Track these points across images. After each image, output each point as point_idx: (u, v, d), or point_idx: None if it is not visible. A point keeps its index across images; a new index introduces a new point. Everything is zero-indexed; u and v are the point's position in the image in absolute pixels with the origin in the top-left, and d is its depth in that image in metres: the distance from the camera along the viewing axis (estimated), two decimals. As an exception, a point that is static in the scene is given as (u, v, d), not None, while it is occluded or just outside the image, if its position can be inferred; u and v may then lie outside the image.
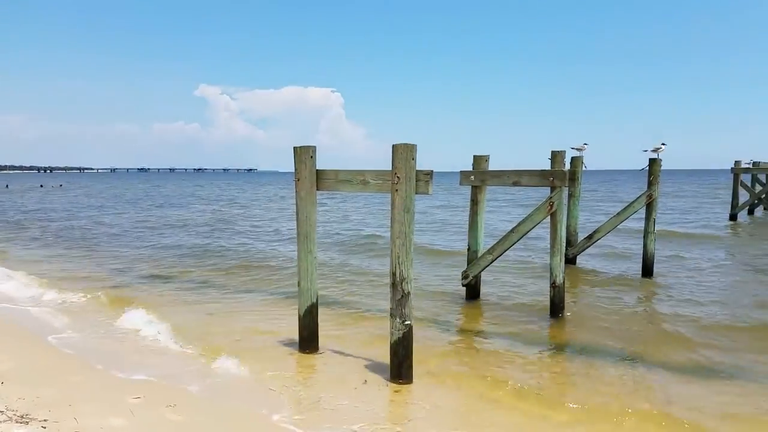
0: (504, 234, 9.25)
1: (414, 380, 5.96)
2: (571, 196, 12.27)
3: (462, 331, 8.26)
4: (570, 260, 12.50)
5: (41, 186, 71.73)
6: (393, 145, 5.75)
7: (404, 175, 5.69)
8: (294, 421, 5.06)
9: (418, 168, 5.75)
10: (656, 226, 11.51)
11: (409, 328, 5.92)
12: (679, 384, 6.15)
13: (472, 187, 9.57)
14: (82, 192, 57.32)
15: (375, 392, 5.72)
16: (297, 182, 6.65)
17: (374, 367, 6.36)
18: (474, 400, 5.65)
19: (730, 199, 24.19)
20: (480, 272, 9.76)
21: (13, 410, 4.70)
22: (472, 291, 9.97)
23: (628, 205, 11.46)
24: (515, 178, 8.75)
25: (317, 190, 6.63)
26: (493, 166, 9.44)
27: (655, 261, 11.64)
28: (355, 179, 6.34)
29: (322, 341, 7.01)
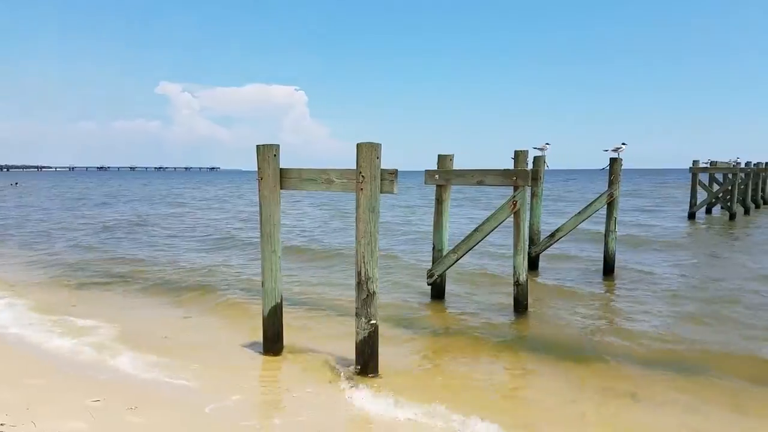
0: (468, 233, 9.32)
1: (380, 378, 5.93)
2: (533, 195, 12.44)
3: (426, 329, 8.27)
4: (533, 258, 12.69)
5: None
6: (357, 144, 5.71)
7: (369, 174, 5.66)
8: (259, 423, 4.97)
9: (383, 167, 5.74)
10: (618, 225, 11.79)
11: (375, 327, 5.90)
12: (635, 376, 6.31)
13: (437, 186, 9.61)
14: (27, 191, 55.28)
15: (340, 391, 5.66)
16: (260, 181, 6.54)
17: (340, 366, 6.31)
18: (439, 396, 5.67)
19: (689, 198, 25.04)
20: (445, 271, 9.81)
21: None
22: (438, 289, 10.01)
23: (590, 204, 11.71)
24: (479, 177, 8.82)
25: (281, 189, 6.54)
26: (458, 165, 9.51)
27: (615, 259, 11.91)
28: (320, 178, 6.27)
29: (286, 340, 6.92)
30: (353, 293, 5.98)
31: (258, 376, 6.19)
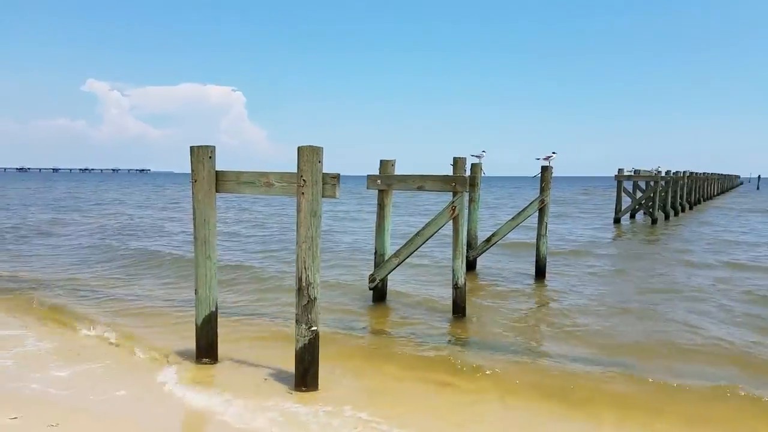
0: (409, 238, 9.36)
1: (319, 386, 5.82)
2: (471, 200, 12.69)
3: (368, 332, 8.25)
4: (471, 262, 12.94)
5: None
6: (299, 148, 5.59)
7: (310, 178, 5.55)
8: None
9: (324, 171, 5.65)
10: (548, 229, 12.21)
11: (316, 334, 5.78)
12: (564, 373, 6.53)
13: (379, 191, 9.61)
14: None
15: (278, 400, 5.50)
16: (194, 183, 6.29)
17: (278, 375, 6.15)
18: (378, 401, 5.63)
19: (614, 205, 26.34)
20: (386, 275, 9.81)
21: None
22: (379, 293, 10.00)
23: (523, 210, 12.08)
24: (420, 182, 8.88)
25: (217, 192, 6.31)
26: (400, 171, 9.53)
27: (547, 263, 12.33)
28: (259, 181, 6.10)
29: (221, 350, 6.67)
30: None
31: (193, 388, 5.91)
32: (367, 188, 9.42)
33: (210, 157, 6.27)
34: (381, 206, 9.65)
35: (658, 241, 20.02)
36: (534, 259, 12.40)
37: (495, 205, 39.52)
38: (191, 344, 6.64)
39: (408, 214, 29.90)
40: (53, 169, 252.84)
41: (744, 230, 23.53)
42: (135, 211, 31.64)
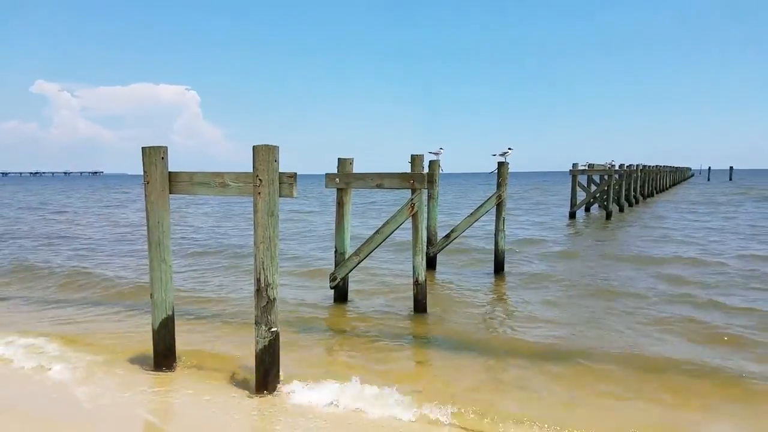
0: (369, 236, 9.38)
1: (279, 387, 5.78)
2: (430, 197, 12.79)
3: (329, 332, 8.22)
4: (431, 259, 13.05)
5: None
6: (254, 147, 5.53)
7: (267, 177, 5.50)
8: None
9: (281, 170, 5.60)
10: (506, 224, 12.43)
11: (276, 335, 5.74)
12: (519, 368, 6.69)
13: (338, 189, 9.59)
14: None
15: (237, 403, 5.44)
16: (146, 185, 6.14)
17: (237, 378, 6.08)
18: (340, 400, 5.64)
19: (569, 199, 26.99)
20: (347, 274, 9.80)
21: None
22: (340, 292, 9.99)
23: (481, 206, 12.25)
24: (378, 180, 8.91)
25: (170, 193, 6.18)
26: (360, 169, 9.52)
27: (505, 257, 12.56)
28: (213, 182, 6.00)
29: (180, 353, 6.56)
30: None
31: (147, 393, 5.78)
32: (326, 186, 9.40)
33: (162, 158, 6.13)
34: (340, 205, 9.62)
35: (612, 234, 20.60)
36: (493, 254, 12.60)
37: (453, 202, 39.95)
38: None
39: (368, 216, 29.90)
40: (2, 173, 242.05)
41: (691, 225, 24.42)
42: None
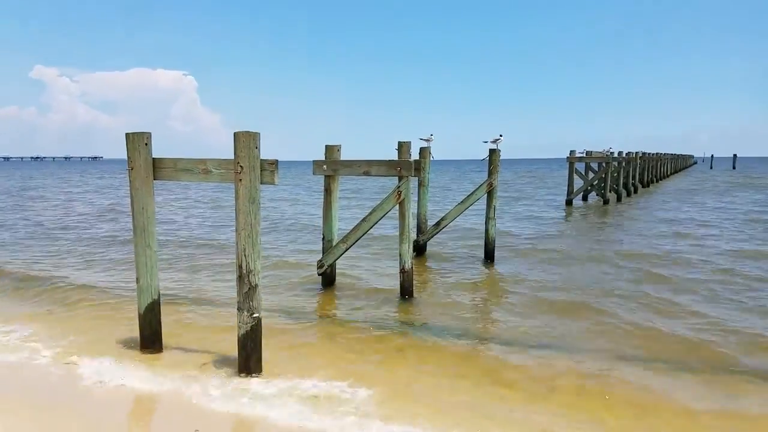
0: (356, 223, 9.45)
1: (263, 372, 5.89)
2: (420, 185, 12.86)
3: (315, 318, 8.33)
4: (421, 246, 13.14)
5: None
6: (235, 133, 5.59)
7: (248, 164, 5.56)
8: (133, 424, 4.77)
9: (264, 157, 5.66)
10: (499, 211, 12.48)
11: (258, 320, 5.83)
12: (508, 353, 6.80)
13: (325, 176, 9.64)
14: None
15: (221, 388, 5.56)
16: (130, 171, 6.21)
17: (222, 362, 6.19)
18: (326, 386, 5.76)
19: (566, 186, 26.95)
20: (335, 261, 9.89)
21: None
22: (328, 279, 10.09)
23: (471, 194, 12.30)
24: (365, 167, 8.97)
25: (154, 179, 6.25)
26: (351, 156, 9.55)
27: (496, 244, 12.62)
28: (196, 168, 6.06)
29: (166, 339, 6.67)
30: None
31: (134, 377, 5.90)
32: (314, 173, 9.45)
33: (146, 144, 6.19)
34: (328, 192, 9.68)
35: (607, 223, 20.62)
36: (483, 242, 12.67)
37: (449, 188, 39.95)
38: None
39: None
40: (3, 158, 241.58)
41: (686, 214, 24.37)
42: None
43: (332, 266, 10.02)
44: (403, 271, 9.18)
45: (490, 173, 12.03)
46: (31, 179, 56.37)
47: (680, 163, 74.61)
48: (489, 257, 12.45)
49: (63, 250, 14.11)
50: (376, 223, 9.31)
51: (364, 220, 9.30)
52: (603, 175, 26.88)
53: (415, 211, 13.18)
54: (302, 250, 14.00)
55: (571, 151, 26.03)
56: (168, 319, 7.05)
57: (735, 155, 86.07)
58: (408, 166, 8.64)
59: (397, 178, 8.86)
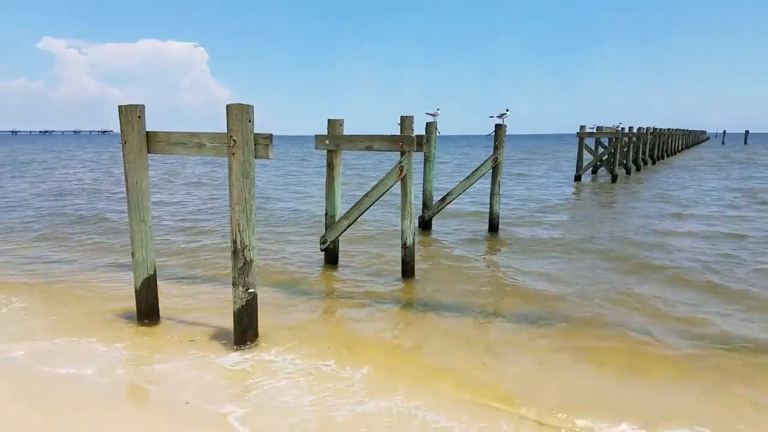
0: (359, 199, 9.32)
1: (259, 346, 5.85)
2: (426, 160, 12.68)
3: (316, 293, 8.27)
4: (426, 222, 13.02)
5: None
6: (227, 106, 5.44)
7: (241, 138, 5.42)
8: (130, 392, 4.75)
9: (257, 131, 5.52)
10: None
11: (253, 296, 5.77)
12: (508, 332, 6.71)
13: (328, 151, 9.48)
14: None
15: (215, 359, 5.53)
16: (124, 145, 6.10)
17: (218, 336, 6.16)
18: (325, 360, 5.72)
19: (576, 161, 26.62)
20: (337, 237, 9.79)
21: None
22: (331, 255, 10.00)
23: (477, 169, 12.11)
24: (368, 142, 8.80)
25: (148, 153, 6.14)
26: (359, 131, 9.36)
27: (500, 219, 12.48)
28: (190, 142, 5.94)
29: (164, 312, 6.66)
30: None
31: (130, 347, 5.89)
32: (315, 148, 9.30)
33: (139, 117, 6.07)
34: (330, 167, 9.53)
35: (615, 199, 20.36)
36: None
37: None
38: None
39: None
40: (12, 132, 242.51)
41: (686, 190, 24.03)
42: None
43: (335, 242, 9.92)
44: (404, 246, 9.07)
45: (496, 148, 11.81)
46: (26, 153, 56.15)
47: (692, 139, 73.61)
48: (493, 231, 12.32)
49: None
50: (378, 198, 9.16)
51: (366, 195, 9.16)
52: (612, 151, 26.49)
53: (422, 187, 13.06)
54: (308, 223, 13.92)
55: (581, 126, 25.65)
56: (167, 293, 7.02)
57: (747, 131, 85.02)
58: (410, 141, 8.46)
59: (399, 153, 8.71)
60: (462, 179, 12.53)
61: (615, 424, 4.46)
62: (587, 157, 26.84)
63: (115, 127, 6.66)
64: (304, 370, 5.36)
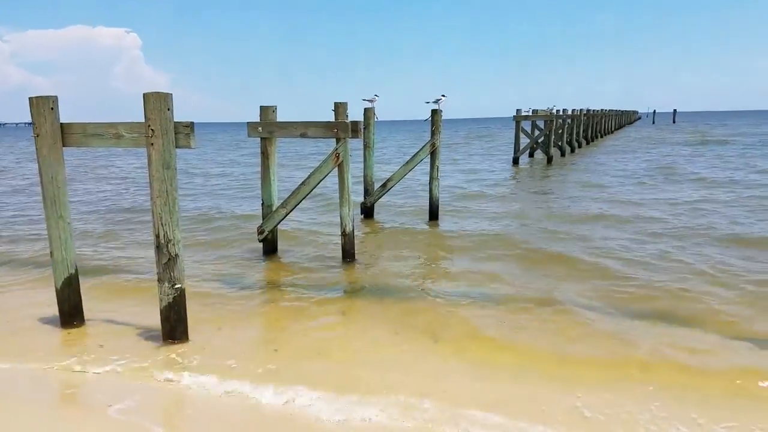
0: (295, 187, 9.18)
1: (189, 342, 5.68)
2: (366, 146, 12.60)
3: (253, 284, 8.10)
4: (368, 208, 13.00)
5: None
6: (144, 95, 5.19)
7: (159, 127, 5.20)
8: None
9: (177, 119, 5.30)
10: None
11: (180, 291, 5.58)
12: (448, 306, 6.81)
13: (262, 139, 9.27)
14: None
15: (143, 361, 5.32)
16: (37, 138, 5.74)
17: (146, 334, 5.93)
18: (260, 351, 5.64)
19: (513, 144, 27.21)
20: (275, 226, 9.63)
21: None
22: (270, 245, 9.83)
23: (415, 155, 12.15)
24: (302, 129, 8.65)
25: (63, 146, 5.80)
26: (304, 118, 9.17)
27: (440, 204, 12.61)
28: (107, 133, 5.65)
29: (90, 314, 6.36)
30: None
31: (54, 351, 5.60)
32: (248, 136, 9.08)
33: (52, 109, 5.72)
34: (265, 155, 9.33)
35: (549, 179, 20.99)
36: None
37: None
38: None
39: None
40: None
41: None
42: None
43: (273, 232, 9.75)
44: (344, 234, 9.02)
45: (433, 133, 11.88)
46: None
47: (624, 119, 76.84)
48: (434, 216, 12.45)
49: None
50: (315, 186, 9.05)
51: (303, 183, 9.03)
52: (547, 132, 27.20)
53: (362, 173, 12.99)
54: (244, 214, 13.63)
55: (517, 110, 26.23)
56: (92, 289, 6.71)
57: (675, 110, 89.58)
58: (345, 128, 8.37)
59: (335, 140, 8.62)
60: (401, 165, 12.55)
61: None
62: (524, 141, 27.49)
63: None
64: (227, 366, 5.21)
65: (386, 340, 5.93)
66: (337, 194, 8.93)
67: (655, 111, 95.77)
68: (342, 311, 7.00)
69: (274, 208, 9.44)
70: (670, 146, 36.52)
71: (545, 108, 27.57)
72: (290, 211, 9.34)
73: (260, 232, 9.62)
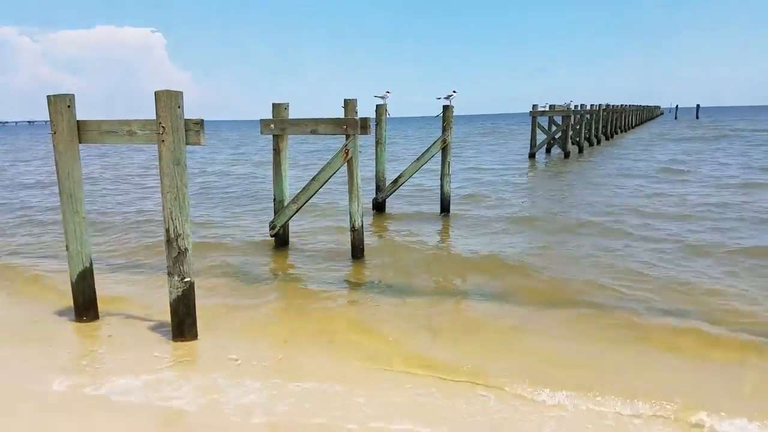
0: (306, 183, 9.31)
1: (198, 336, 5.84)
2: (378, 143, 12.69)
3: (263, 279, 8.25)
4: (380, 204, 13.09)
5: None
6: (155, 92, 5.35)
7: (170, 124, 5.35)
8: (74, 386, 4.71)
9: (187, 117, 5.45)
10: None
11: (190, 285, 5.73)
12: (456, 304, 6.88)
13: (274, 136, 9.42)
14: None
15: (156, 352, 5.50)
16: (54, 135, 5.95)
17: (157, 327, 6.12)
18: (275, 348, 5.76)
19: (529, 140, 27.01)
20: (287, 221, 9.78)
21: None
22: (281, 240, 9.99)
23: (426, 150, 12.21)
24: (313, 126, 8.79)
25: (79, 143, 6.00)
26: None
27: (452, 199, 12.65)
28: (121, 130, 5.83)
29: (103, 306, 6.57)
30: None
31: (72, 344, 5.82)
32: (261, 133, 9.24)
33: (69, 106, 5.92)
34: (276, 151, 9.48)
35: (565, 176, 20.79)
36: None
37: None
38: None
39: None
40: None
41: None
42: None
43: (285, 227, 9.91)
44: (353, 229, 9.13)
45: (444, 129, 11.92)
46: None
47: (646, 114, 75.57)
48: (445, 211, 12.49)
49: None
50: (325, 182, 9.18)
51: (313, 179, 9.16)
52: (564, 128, 26.93)
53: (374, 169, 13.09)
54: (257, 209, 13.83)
55: (533, 105, 25.99)
56: (106, 284, 6.92)
57: (698, 105, 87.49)
58: (354, 124, 8.47)
59: (344, 136, 8.72)
60: (413, 161, 12.61)
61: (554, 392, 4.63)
62: (541, 136, 27.26)
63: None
64: (231, 360, 5.35)
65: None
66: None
67: (677, 106, 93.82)
68: (341, 308, 7.08)
69: (285, 204, 9.59)
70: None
71: (562, 103, 27.31)
72: (301, 207, 9.48)
73: (272, 227, 9.78)
